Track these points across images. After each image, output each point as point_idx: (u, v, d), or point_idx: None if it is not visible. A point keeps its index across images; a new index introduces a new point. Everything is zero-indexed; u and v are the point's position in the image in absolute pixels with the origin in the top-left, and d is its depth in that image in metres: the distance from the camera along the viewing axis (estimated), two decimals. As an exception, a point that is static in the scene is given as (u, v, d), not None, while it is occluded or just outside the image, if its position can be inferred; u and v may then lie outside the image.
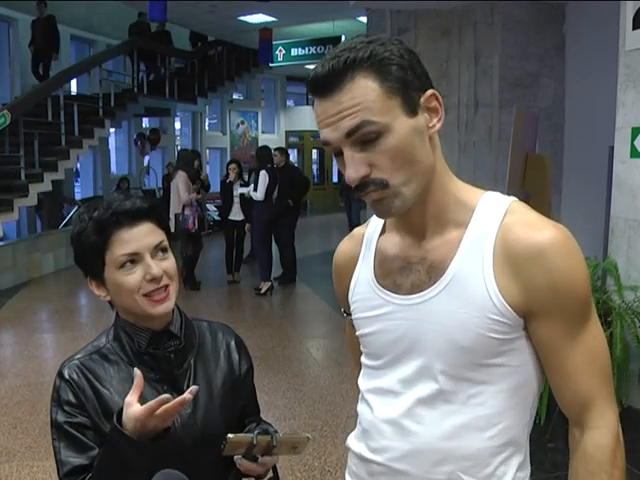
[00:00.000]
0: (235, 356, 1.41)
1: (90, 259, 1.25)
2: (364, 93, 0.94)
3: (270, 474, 1.33)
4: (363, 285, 1.13)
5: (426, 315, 1.03)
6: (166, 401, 1.11)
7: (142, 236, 1.23)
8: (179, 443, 1.25)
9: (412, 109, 0.97)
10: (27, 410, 4.16)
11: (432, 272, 1.04)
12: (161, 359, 1.28)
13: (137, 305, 1.24)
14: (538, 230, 0.99)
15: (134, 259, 1.22)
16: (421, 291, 1.04)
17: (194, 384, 1.29)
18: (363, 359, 1.17)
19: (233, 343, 1.43)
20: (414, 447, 1.05)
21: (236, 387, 1.38)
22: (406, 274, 1.07)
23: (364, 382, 1.16)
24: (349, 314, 1.22)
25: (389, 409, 1.09)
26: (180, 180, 7.64)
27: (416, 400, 1.05)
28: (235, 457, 1.23)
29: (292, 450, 1.25)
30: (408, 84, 0.97)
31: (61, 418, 1.24)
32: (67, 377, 1.26)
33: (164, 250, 1.26)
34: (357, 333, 1.16)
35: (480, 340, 1.00)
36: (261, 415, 1.49)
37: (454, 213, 1.04)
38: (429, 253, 1.05)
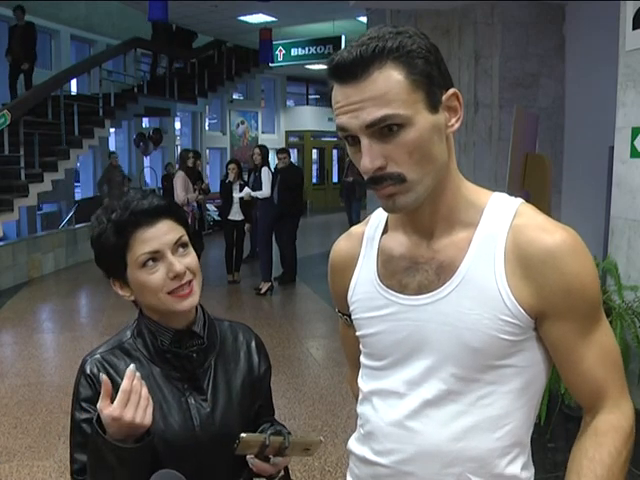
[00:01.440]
0: (255, 357, 1.41)
1: (112, 260, 1.25)
2: (390, 84, 0.93)
3: (281, 473, 1.34)
4: (365, 285, 1.12)
5: (434, 316, 1.03)
6: (132, 377, 1.13)
7: (162, 234, 1.22)
8: (197, 441, 1.26)
9: (434, 105, 0.96)
10: (27, 410, 4.16)
11: (441, 272, 1.03)
12: (183, 358, 1.28)
13: (162, 303, 1.23)
14: (549, 233, 0.99)
15: (155, 257, 1.22)
16: (429, 292, 1.03)
17: (214, 384, 1.31)
18: (363, 359, 1.16)
19: (253, 344, 1.43)
20: (422, 449, 1.05)
21: (254, 387, 1.39)
22: (412, 274, 1.06)
23: (365, 383, 1.15)
24: (344, 314, 1.21)
25: (394, 411, 1.08)
26: (178, 179, 7.70)
27: (423, 401, 1.04)
28: (247, 457, 1.23)
29: (304, 452, 1.25)
30: (433, 79, 0.96)
31: (78, 415, 1.25)
32: (88, 372, 1.27)
33: (184, 245, 1.26)
34: (358, 333, 1.15)
35: (491, 342, 0.99)
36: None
37: (463, 214, 1.04)
38: (438, 253, 1.04)
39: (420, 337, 1.04)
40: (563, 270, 0.97)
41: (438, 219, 1.04)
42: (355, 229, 1.21)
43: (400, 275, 1.07)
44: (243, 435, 1.18)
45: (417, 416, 1.05)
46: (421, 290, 1.04)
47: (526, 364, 1.03)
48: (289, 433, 1.29)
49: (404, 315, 1.06)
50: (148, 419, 1.15)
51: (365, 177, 0.97)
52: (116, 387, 1.24)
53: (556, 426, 3.24)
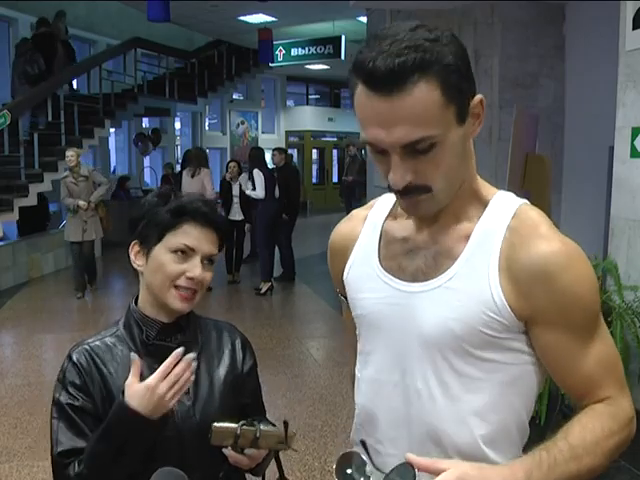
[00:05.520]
0: (239, 355, 1.44)
1: (150, 230, 1.31)
2: (426, 102, 0.90)
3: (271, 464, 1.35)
4: (362, 266, 1.13)
5: (427, 304, 1.03)
6: (178, 358, 1.20)
7: (205, 240, 1.31)
8: (178, 433, 1.29)
9: (463, 117, 0.96)
10: (27, 410, 4.16)
11: (438, 259, 1.04)
12: (166, 351, 1.30)
13: (164, 291, 1.30)
14: (544, 242, 0.98)
15: (187, 255, 1.29)
16: (425, 280, 1.04)
17: (196, 378, 1.33)
18: (358, 344, 1.18)
19: (238, 342, 1.46)
20: (415, 436, 1.06)
21: (238, 384, 1.41)
22: (412, 257, 1.07)
23: (359, 369, 1.17)
24: (345, 296, 1.22)
25: (388, 398, 1.09)
26: (206, 177, 7.69)
27: (413, 390, 1.06)
28: (223, 449, 1.25)
29: (279, 444, 1.25)
30: (463, 92, 0.95)
31: (64, 399, 1.29)
32: (75, 360, 1.31)
33: (211, 263, 1.34)
34: (353, 314, 1.16)
35: (472, 332, 1.00)
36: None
37: (470, 207, 1.05)
38: (438, 240, 1.06)
39: (410, 324, 1.05)
40: (553, 286, 0.97)
41: (446, 210, 1.05)
42: (357, 212, 1.22)
43: (400, 258, 1.09)
44: (215, 424, 1.20)
45: (410, 403, 1.06)
46: (417, 275, 1.06)
47: (511, 361, 1.03)
48: (274, 425, 1.31)
49: (397, 300, 1.07)
50: (172, 403, 1.21)
51: (391, 188, 0.99)
52: (102, 376, 1.30)
53: (556, 426, 3.24)
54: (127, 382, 1.20)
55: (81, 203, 7.17)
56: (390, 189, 1.00)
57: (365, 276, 1.12)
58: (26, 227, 9.51)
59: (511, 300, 0.98)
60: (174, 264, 1.29)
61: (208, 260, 1.33)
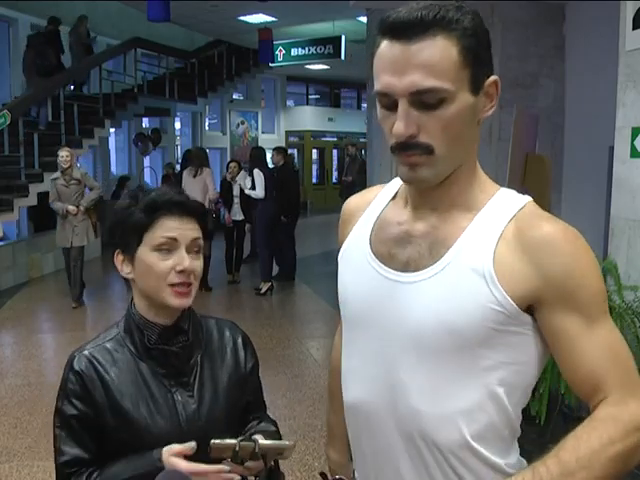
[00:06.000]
0: (241, 353, 1.44)
1: (128, 235, 1.29)
2: (443, 55, 0.93)
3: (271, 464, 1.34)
4: (356, 249, 1.12)
5: (417, 295, 1.01)
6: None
7: (185, 228, 1.28)
8: (183, 437, 1.27)
9: (476, 88, 0.97)
10: (27, 410, 4.16)
11: (433, 248, 1.02)
12: (169, 354, 1.31)
13: (159, 291, 1.27)
14: (552, 223, 1.00)
15: (171, 247, 1.26)
16: (416, 269, 1.02)
17: (200, 380, 1.34)
18: (343, 331, 1.17)
19: (240, 340, 1.45)
20: (403, 430, 1.04)
21: (241, 383, 1.41)
22: (404, 246, 1.05)
23: (343, 358, 1.16)
24: None
25: (373, 390, 1.07)
26: (208, 177, 7.68)
27: (398, 384, 1.04)
28: (223, 461, 1.25)
29: (278, 455, 1.26)
30: (480, 62, 0.97)
31: (66, 409, 1.28)
32: (76, 368, 1.30)
33: (198, 249, 1.31)
34: (339, 293, 1.15)
35: (472, 327, 0.98)
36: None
37: (472, 197, 1.04)
38: (435, 229, 1.04)
39: (397, 315, 1.03)
40: (563, 252, 0.97)
41: (446, 198, 1.04)
42: (372, 189, 1.21)
43: (390, 244, 1.07)
44: (214, 441, 1.19)
45: (393, 398, 1.04)
46: (409, 264, 1.04)
47: (508, 360, 1.00)
48: (278, 432, 1.32)
49: (384, 290, 1.05)
50: None
51: (393, 142, 0.98)
52: (103, 383, 1.29)
53: (556, 426, 3.24)
54: (169, 449, 1.21)
55: (70, 208, 6.75)
56: (392, 149, 0.98)
57: (356, 259, 1.10)
58: (37, 224, 9.58)
59: (513, 285, 0.97)
60: (161, 262, 1.26)
61: (195, 247, 1.30)
